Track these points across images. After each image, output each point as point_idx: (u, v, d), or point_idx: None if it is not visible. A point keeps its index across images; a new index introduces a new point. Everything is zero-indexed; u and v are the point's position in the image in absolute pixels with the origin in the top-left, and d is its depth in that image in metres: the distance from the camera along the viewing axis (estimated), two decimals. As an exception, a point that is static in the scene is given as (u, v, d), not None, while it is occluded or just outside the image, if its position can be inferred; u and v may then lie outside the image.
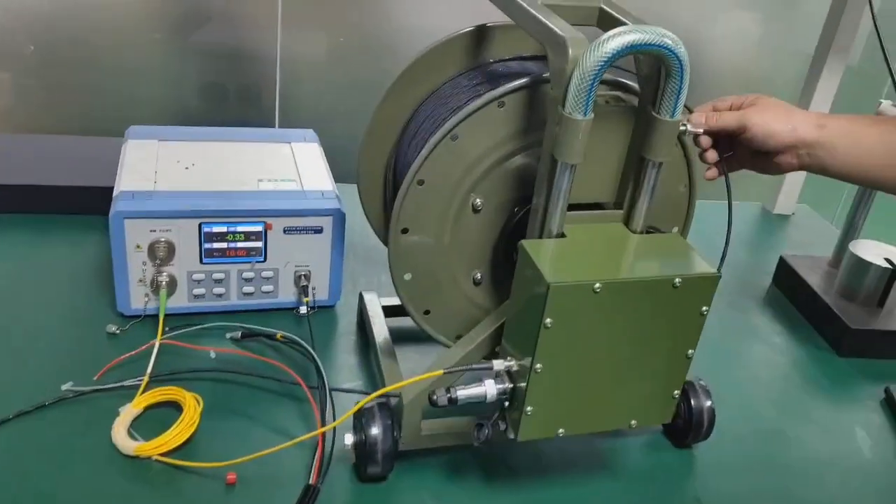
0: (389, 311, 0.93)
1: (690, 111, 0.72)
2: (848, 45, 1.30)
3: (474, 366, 0.66)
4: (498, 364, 0.64)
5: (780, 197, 1.46)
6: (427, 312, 0.75)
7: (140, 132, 1.05)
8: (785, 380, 0.99)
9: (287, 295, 0.97)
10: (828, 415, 0.94)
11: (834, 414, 0.94)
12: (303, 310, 0.96)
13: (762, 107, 0.70)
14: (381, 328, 0.89)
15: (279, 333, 0.87)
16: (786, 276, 1.18)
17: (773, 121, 0.68)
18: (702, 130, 0.70)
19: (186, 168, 0.97)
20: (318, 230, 0.94)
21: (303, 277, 0.95)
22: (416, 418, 0.72)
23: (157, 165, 0.97)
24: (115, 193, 0.90)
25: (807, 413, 0.94)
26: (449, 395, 0.64)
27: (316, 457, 0.73)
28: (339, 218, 0.94)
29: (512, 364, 0.64)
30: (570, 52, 0.60)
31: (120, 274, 0.89)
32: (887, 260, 1.07)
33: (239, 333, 0.89)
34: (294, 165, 1.02)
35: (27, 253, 1.03)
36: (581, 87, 0.59)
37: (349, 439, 0.72)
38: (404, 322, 0.88)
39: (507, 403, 0.65)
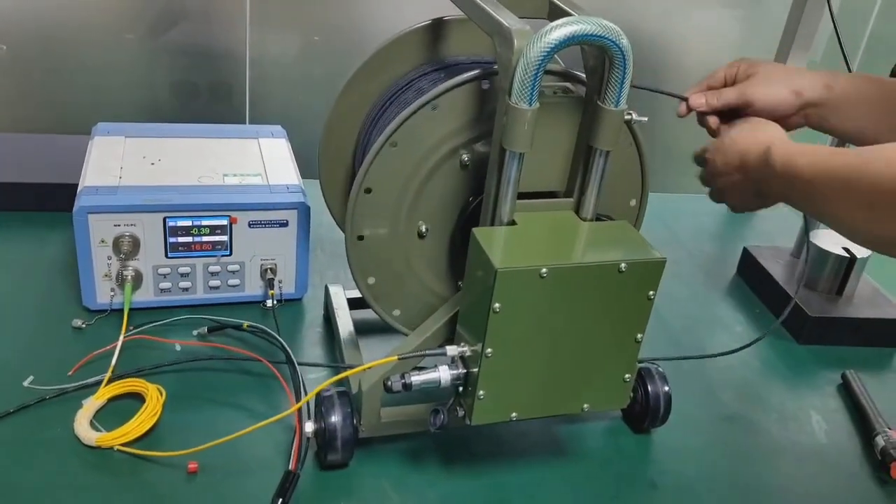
0: (354, 304, 0.94)
1: (685, 98, 0.75)
2: (809, 40, 1.33)
3: (428, 351, 0.67)
4: (451, 350, 0.65)
5: (748, 190, 1.48)
6: (396, 310, 0.77)
7: (107, 129, 1.06)
8: (745, 367, 1.01)
9: (254, 288, 0.98)
10: (785, 401, 0.96)
11: (792, 400, 0.96)
12: (269, 303, 0.97)
13: (762, 77, 0.72)
14: (345, 320, 0.90)
15: (245, 323, 0.88)
16: (749, 267, 1.21)
17: (776, 92, 0.71)
18: (708, 110, 0.73)
19: (152, 164, 0.98)
20: (284, 224, 0.95)
21: (269, 271, 0.96)
22: (376, 406, 0.74)
23: (123, 161, 0.97)
24: (79, 189, 0.91)
25: (765, 399, 0.96)
26: (403, 380, 0.65)
27: (294, 442, 0.73)
28: (304, 211, 0.95)
29: (465, 350, 0.65)
30: (515, 42, 0.61)
31: (85, 269, 0.90)
32: (845, 249, 1.10)
33: (205, 329, 0.90)
34: (261, 160, 1.03)
35: (-5, 250, 1.04)
36: (526, 76, 0.61)
37: (310, 427, 0.73)
38: (369, 314, 0.89)
39: (461, 388, 0.66)
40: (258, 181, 0.98)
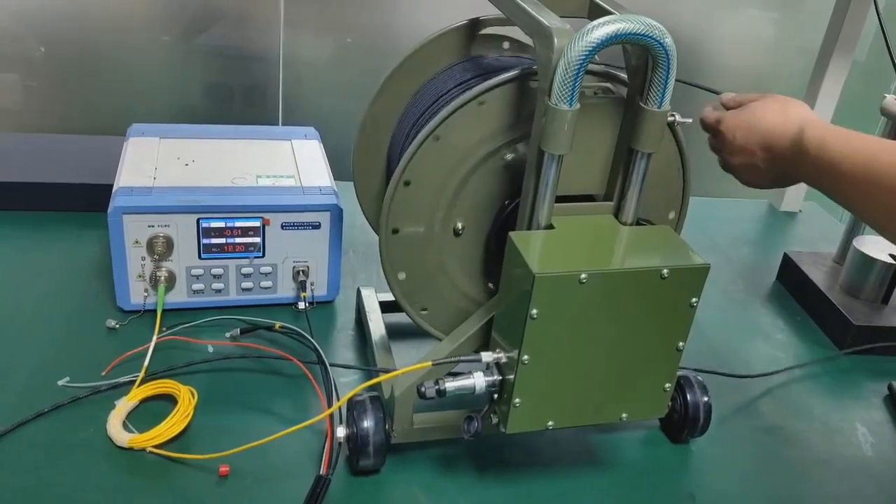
0: (387, 307, 0.93)
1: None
2: (854, 40, 1.29)
3: (463, 357, 0.66)
4: (487, 356, 0.64)
5: (787, 194, 1.44)
6: (424, 310, 0.76)
7: (141, 130, 1.06)
8: (786, 376, 0.98)
9: (286, 290, 0.97)
10: (829, 412, 0.93)
11: (835, 411, 0.93)
12: (301, 305, 0.97)
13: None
14: (377, 324, 0.89)
15: (277, 324, 0.87)
16: (790, 273, 1.17)
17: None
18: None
19: (186, 165, 0.98)
20: (316, 226, 0.94)
21: (301, 273, 0.96)
22: (408, 411, 0.72)
23: (157, 162, 0.98)
24: (114, 190, 0.91)
25: (808, 410, 0.93)
26: (437, 386, 0.64)
27: (326, 445, 0.72)
28: (337, 214, 0.94)
29: (500, 356, 0.64)
30: (556, 42, 0.60)
31: (119, 269, 0.90)
32: (892, 256, 1.06)
33: (238, 331, 0.89)
34: (294, 162, 1.03)
35: (29, 249, 1.05)
36: (566, 76, 0.59)
37: (341, 432, 0.72)
38: (402, 318, 0.88)
39: (496, 396, 0.65)
40: (291, 183, 0.97)
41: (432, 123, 0.66)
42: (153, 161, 0.98)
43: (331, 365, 0.80)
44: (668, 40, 0.60)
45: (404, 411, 0.72)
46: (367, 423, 0.71)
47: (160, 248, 0.89)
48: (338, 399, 0.77)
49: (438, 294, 0.75)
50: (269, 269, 0.95)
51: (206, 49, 1.37)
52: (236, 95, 1.41)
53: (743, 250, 1.29)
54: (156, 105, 1.39)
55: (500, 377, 0.64)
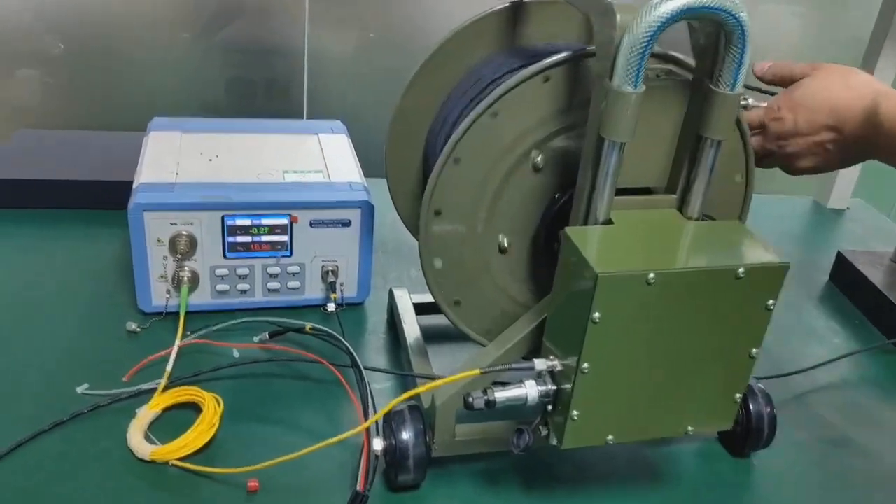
0: (421, 309, 0.87)
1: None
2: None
3: (514, 365, 0.60)
4: (540, 364, 0.58)
5: (834, 191, 1.38)
6: (457, 303, 0.70)
7: (163, 124, 1.02)
8: (850, 384, 0.91)
9: (314, 291, 0.92)
10: (898, 422, 0.86)
11: (905, 421, 0.87)
12: (330, 307, 0.92)
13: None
14: (411, 326, 0.84)
15: (308, 325, 0.82)
16: (844, 273, 1.11)
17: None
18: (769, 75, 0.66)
19: (210, 160, 0.93)
20: (346, 223, 0.89)
21: (330, 273, 0.91)
22: (450, 422, 0.67)
23: (180, 157, 0.93)
24: (134, 186, 0.86)
25: (875, 420, 0.86)
26: (486, 396, 0.58)
27: (362, 459, 0.66)
28: (368, 210, 0.89)
29: (555, 364, 0.58)
30: (619, 18, 0.54)
31: (140, 269, 0.85)
32: (958, 254, 0.99)
33: (266, 334, 0.84)
34: (321, 157, 0.98)
35: (45, 249, 1.00)
36: (632, 56, 0.53)
37: (378, 445, 0.66)
38: (437, 320, 0.83)
39: (549, 407, 0.59)
40: (319, 178, 0.92)
41: (491, 97, 0.60)
42: (175, 156, 0.93)
43: (365, 369, 0.75)
44: (744, 15, 0.54)
45: (446, 422, 0.67)
46: (407, 435, 0.65)
47: (183, 247, 0.84)
48: (374, 407, 0.72)
49: (475, 288, 0.70)
50: (296, 268, 0.90)
51: (228, 45, 1.33)
52: (259, 91, 1.36)
53: (791, 248, 1.22)
54: (176, 102, 1.34)
55: (555, 387, 0.58)
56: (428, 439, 0.66)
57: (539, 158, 0.65)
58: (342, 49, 1.37)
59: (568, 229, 0.58)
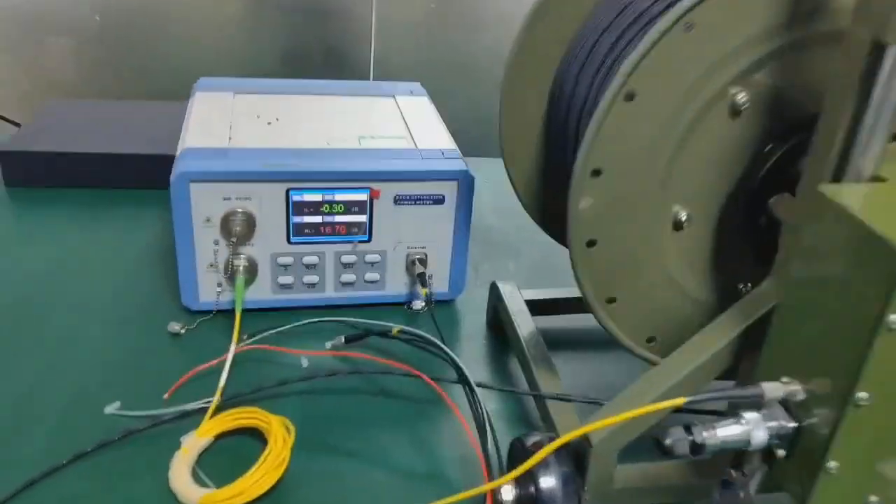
0: (536, 308, 0.69)
1: None
2: None
3: (736, 392, 0.42)
4: (773, 389, 0.40)
5: None
6: (612, 301, 0.52)
7: (211, 84, 0.85)
8: None
9: (396, 285, 0.74)
10: None
11: None
12: (417, 304, 0.74)
13: None
14: (528, 330, 0.65)
15: (396, 327, 0.64)
16: None
17: None
18: None
19: (269, 123, 0.76)
20: (439, 200, 0.71)
21: (417, 263, 0.73)
22: (609, 464, 0.49)
23: (233, 120, 0.76)
24: (178, 152, 0.70)
25: None
26: (692, 438, 0.39)
27: None
28: (467, 183, 0.71)
29: (796, 390, 0.39)
30: None
31: (185, 256, 0.68)
32: None
33: (342, 338, 0.67)
34: (402, 121, 0.80)
35: (73, 235, 0.84)
36: None
37: (509, 494, 0.48)
38: (552, 322, 0.65)
39: (782, 452, 0.41)
40: (405, 145, 0.75)
41: (682, 6, 0.42)
42: (227, 119, 0.76)
43: (478, 386, 0.57)
44: None
45: (604, 465, 0.48)
46: (551, 483, 0.47)
47: (238, 229, 0.67)
48: (494, 439, 0.54)
49: (638, 280, 0.51)
50: (376, 257, 0.72)
51: (282, 6, 1.16)
52: (316, 57, 1.19)
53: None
54: (224, 69, 1.18)
55: (796, 424, 0.39)
56: (578, 487, 0.48)
57: (741, 97, 0.46)
58: (410, 14, 1.20)
59: (827, 188, 0.39)
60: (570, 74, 0.57)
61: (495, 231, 0.91)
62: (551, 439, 0.50)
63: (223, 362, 0.62)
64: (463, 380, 0.58)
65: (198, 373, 0.62)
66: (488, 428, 0.54)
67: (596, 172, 0.47)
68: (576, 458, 0.49)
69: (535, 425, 0.61)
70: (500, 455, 0.53)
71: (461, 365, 0.58)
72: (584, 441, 0.49)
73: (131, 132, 0.97)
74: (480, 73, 1.14)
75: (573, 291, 0.72)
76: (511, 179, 0.66)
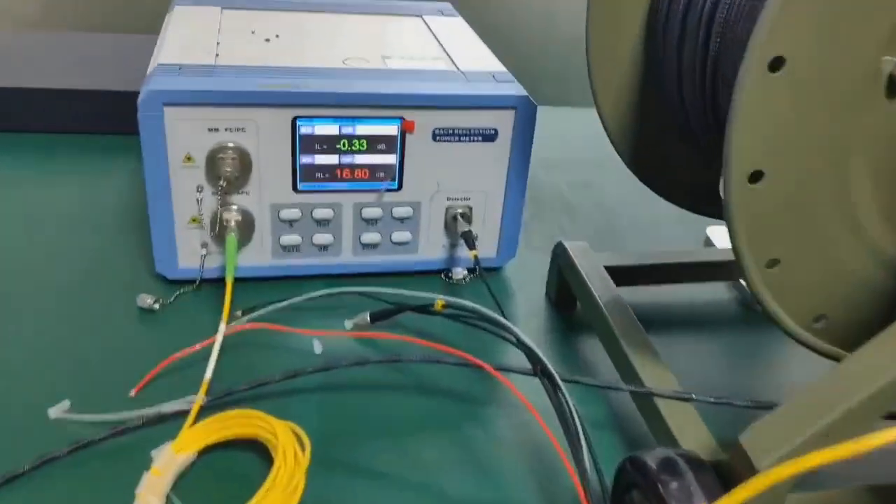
0: (621, 276, 0.53)
1: None
2: None
3: None
4: None
5: None
6: (774, 263, 0.36)
7: (193, -2, 0.68)
8: None
9: (432, 248, 0.58)
10: None
11: None
12: (458, 273, 0.58)
13: None
14: (615, 303, 0.49)
15: (440, 300, 0.48)
16: None
17: None
18: None
19: (267, 40, 0.60)
20: (490, 135, 0.55)
21: (460, 218, 0.57)
22: (780, 499, 0.33)
23: (221, 36, 0.59)
24: (149, 70, 0.53)
25: None
26: None
27: None
28: (527, 113, 0.54)
29: None
30: None
31: (158, 208, 0.52)
32: None
33: (367, 315, 0.51)
34: (435, 41, 0.63)
35: (28, 187, 0.67)
36: None
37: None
38: (631, 296, 0.50)
39: None
40: (442, 66, 0.58)
41: None
42: (213, 35, 0.59)
43: (564, 381, 0.41)
44: None
45: (775, 500, 0.33)
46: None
47: (229, 170, 0.51)
48: (591, 454, 0.38)
49: (814, 231, 0.35)
50: (407, 210, 0.56)
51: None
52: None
53: None
54: None
55: None
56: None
57: None
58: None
59: None
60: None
61: (543, 186, 0.75)
62: (685, 458, 0.34)
63: (210, 347, 0.46)
64: (543, 372, 0.42)
65: (175, 362, 0.46)
66: (583, 440, 0.38)
67: (775, 65, 0.31)
68: (722, 481, 0.34)
69: (634, 435, 0.46)
70: (604, 481, 0.38)
71: (538, 352, 0.42)
72: (738, 463, 0.33)
73: (97, 67, 0.80)
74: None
75: (661, 256, 0.57)
76: (599, 108, 0.49)
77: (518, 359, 0.44)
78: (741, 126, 0.32)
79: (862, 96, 0.33)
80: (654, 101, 0.49)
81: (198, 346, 0.47)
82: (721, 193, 0.34)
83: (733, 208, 0.34)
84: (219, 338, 0.46)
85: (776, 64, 0.31)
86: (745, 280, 0.36)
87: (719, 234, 0.66)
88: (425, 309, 0.50)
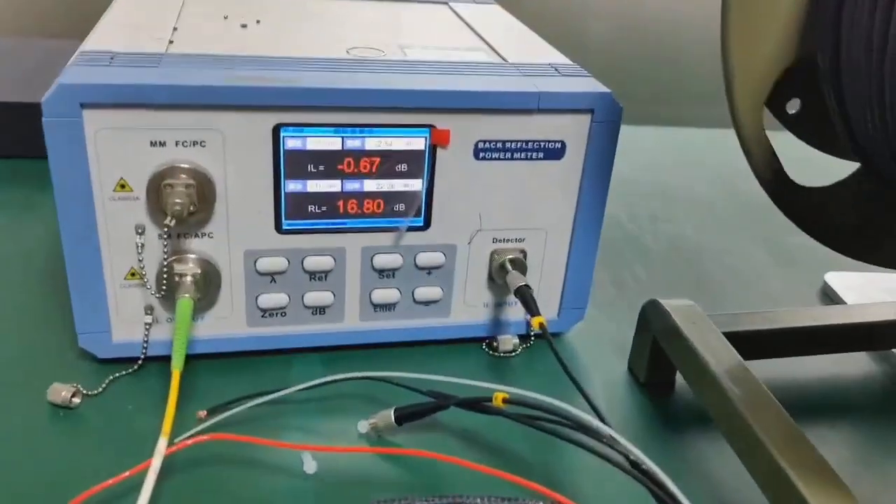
0: (748, 344, 0.37)
1: None
2: None
3: None
4: None
5: None
6: None
7: (152, -19, 0.53)
8: None
9: (470, 308, 0.42)
10: None
11: None
12: (507, 342, 0.42)
13: None
14: (750, 387, 0.33)
15: (500, 393, 0.32)
16: None
17: None
18: None
19: (244, 26, 0.44)
20: (554, 150, 0.39)
21: (511, 267, 0.40)
22: None
23: (181, 21, 0.44)
24: (69, 62, 0.37)
25: None
26: None
27: None
28: (609, 118, 0.38)
29: None
30: None
31: (81, 258, 0.35)
32: None
33: (391, 414, 0.34)
34: (469, 30, 0.48)
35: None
36: None
37: None
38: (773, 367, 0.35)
39: None
40: (483, 57, 0.43)
41: None
42: (171, 17, 0.44)
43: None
44: None
45: None
46: None
47: (181, 202, 0.34)
48: None
49: None
50: (437, 256, 0.40)
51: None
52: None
53: None
54: None
55: None
56: None
57: None
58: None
59: None
60: None
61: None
62: None
63: (146, 473, 0.29)
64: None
65: (98, 494, 0.30)
66: None
67: None
68: None
69: None
70: None
71: (672, 488, 0.26)
72: None
73: (19, 76, 0.64)
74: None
75: (796, 318, 0.41)
76: (735, 107, 0.33)
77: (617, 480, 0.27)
78: None
79: None
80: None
81: (128, 474, 0.30)
82: None
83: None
84: (155, 462, 0.30)
85: None
86: None
87: (844, 283, 0.50)
88: (478, 404, 0.33)
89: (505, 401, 0.32)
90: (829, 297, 0.50)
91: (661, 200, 0.64)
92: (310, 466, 0.33)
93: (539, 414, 0.32)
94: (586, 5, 0.87)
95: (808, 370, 0.43)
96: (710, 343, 0.36)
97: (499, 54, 0.43)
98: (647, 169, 0.70)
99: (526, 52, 0.43)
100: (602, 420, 0.30)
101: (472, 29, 0.48)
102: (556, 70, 0.41)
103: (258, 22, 0.45)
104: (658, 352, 0.39)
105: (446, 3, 0.54)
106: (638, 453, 0.28)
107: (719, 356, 0.35)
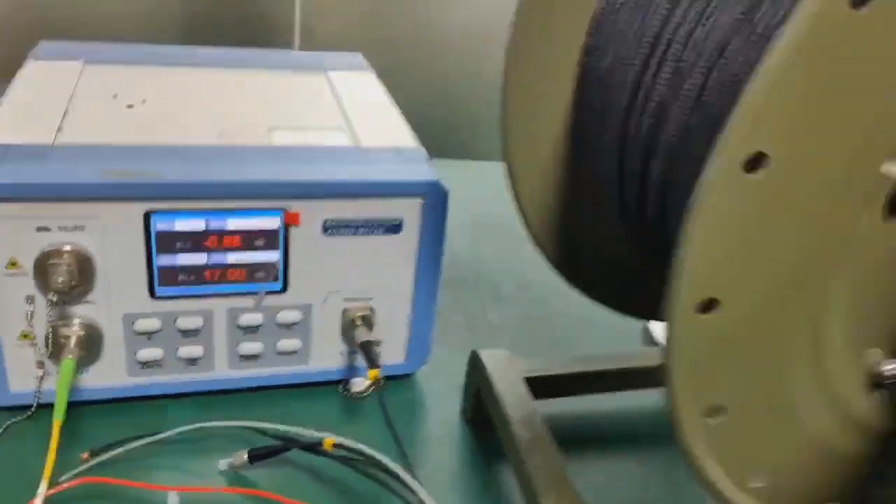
0: (542, 387, 0.45)
1: None
2: None
3: None
4: None
5: None
6: (716, 411, 0.28)
7: (54, 50, 0.57)
8: None
9: (327, 356, 0.49)
10: None
11: None
12: (359, 384, 0.49)
13: None
14: (530, 430, 0.41)
15: (329, 439, 0.39)
16: None
17: None
18: None
19: (130, 106, 0.50)
20: (394, 226, 0.46)
21: (360, 322, 0.48)
22: None
23: (73, 102, 0.49)
24: (-33, 152, 0.43)
25: None
26: None
27: None
28: (437, 200, 0.46)
29: None
30: None
31: (-24, 323, 0.42)
32: None
33: (245, 455, 0.41)
34: (337, 106, 0.55)
35: None
36: None
37: None
38: (563, 406, 0.42)
39: None
40: (340, 141, 0.49)
41: None
42: (63, 100, 0.49)
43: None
44: None
45: None
46: None
47: (62, 280, 0.41)
48: None
49: (758, 390, 0.28)
50: (295, 314, 0.47)
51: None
52: (228, 25, 0.92)
53: None
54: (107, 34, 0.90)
55: None
56: None
57: None
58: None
59: None
60: (627, 27, 0.32)
61: (466, 261, 0.67)
62: None
63: (29, 511, 0.36)
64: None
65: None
66: None
67: (753, 163, 0.23)
68: None
69: None
70: None
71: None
72: None
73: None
74: (442, 45, 0.90)
75: (593, 363, 0.50)
76: (518, 201, 0.40)
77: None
78: (700, 240, 0.24)
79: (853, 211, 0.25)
80: (588, 186, 0.41)
81: (16, 510, 0.37)
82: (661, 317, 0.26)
83: (675, 342, 0.26)
84: (41, 493, 0.36)
85: (755, 163, 0.23)
86: (674, 427, 0.28)
87: (661, 328, 0.59)
88: (314, 447, 0.41)
89: (334, 445, 0.40)
90: (648, 336, 0.59)
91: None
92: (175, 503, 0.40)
93: (357, 459, 0.39)
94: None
95: (615, 403, 0.51)
96: (508, 387, 0.44)
97: (355, 135, 0.50)
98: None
99: (378, 135, 0.50)
100: (407, 463, 0.38)
101: (339, 104, 0.55)
102: (399, 154, 0.48)
103: (144, 101, 0.51)
104: (478, 394, 0.47)
105: (325, 72, 0.61)
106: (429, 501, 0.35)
107: (512, 398, 0.43)
